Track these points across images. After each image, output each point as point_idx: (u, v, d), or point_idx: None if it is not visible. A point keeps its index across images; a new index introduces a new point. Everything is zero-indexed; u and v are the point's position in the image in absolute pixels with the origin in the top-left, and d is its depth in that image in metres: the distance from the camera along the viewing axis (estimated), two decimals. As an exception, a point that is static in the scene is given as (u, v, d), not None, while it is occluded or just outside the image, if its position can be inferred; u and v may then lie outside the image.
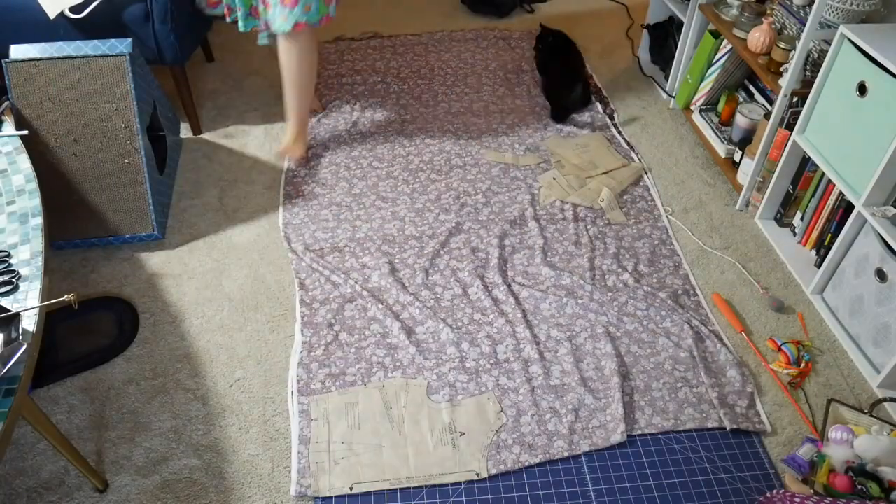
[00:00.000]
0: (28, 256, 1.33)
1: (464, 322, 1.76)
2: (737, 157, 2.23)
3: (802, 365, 1.67)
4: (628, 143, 2.44)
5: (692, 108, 2.52)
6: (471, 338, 1.72)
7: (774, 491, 1.30)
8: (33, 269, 1.30)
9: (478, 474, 1.44)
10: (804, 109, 1.85)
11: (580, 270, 1.91)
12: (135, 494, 1.40)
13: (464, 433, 1.51)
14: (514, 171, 2.28)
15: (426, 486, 1.42)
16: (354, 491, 1.41)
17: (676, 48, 2.59)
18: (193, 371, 1.64)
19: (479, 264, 1.92)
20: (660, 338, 1.72)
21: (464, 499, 1.41)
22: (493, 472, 1.44)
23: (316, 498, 1.40)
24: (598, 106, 2.63)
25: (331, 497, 1.40)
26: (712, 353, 1.69)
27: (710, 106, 2.47)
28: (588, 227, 2.06)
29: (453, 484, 1.43)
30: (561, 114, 2.52)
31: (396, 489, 1.42)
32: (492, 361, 1.67)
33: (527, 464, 1.46)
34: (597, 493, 1.42)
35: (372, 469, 1.44)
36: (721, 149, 2.30)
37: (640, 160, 2.36)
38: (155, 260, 1.93)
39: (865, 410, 1.57)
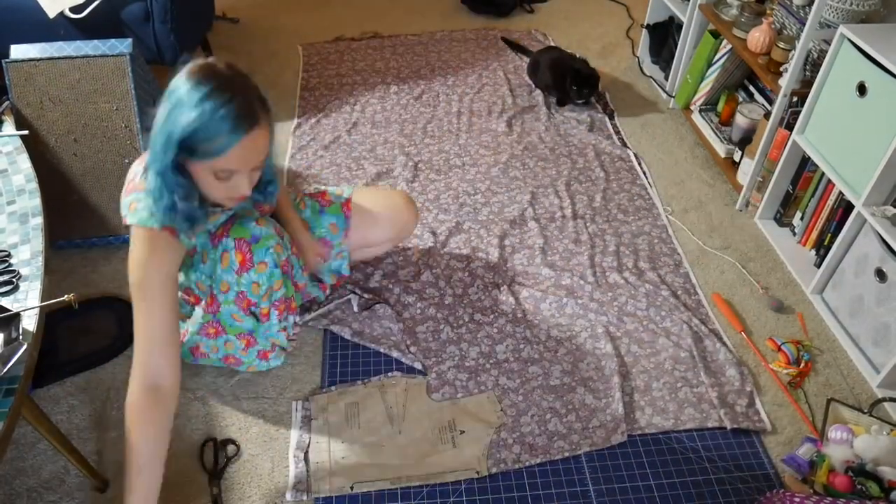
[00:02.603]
0: (28, 256, 1.33)
1: (464, 321, 1.76)
2: (737, 157, 2.23)
3: (802, 365, 1.67)
4: (626, 143, 2.44)
5: (692, 107, 2.52)
6: (471, 337, 1.72)
7: (774, 491, 1.30)
8: (33, 269, 1.30)
9: (478, 472, 1.44)
10: (804, 109, 1.85)
11: (580, 269, 1.91)
12: (135, 494, 1.40)
13: (464, 432, 1.51)
14: (513, 171, 2.28)
15: (426, 485, 1.42)
16: (355, 490, 1.41)
17: (676, 48, 2.59)
18: (193, 371, 1.64)
19: (479, 264, 1.92)
20: (660, 337, 1.72)
21: (465, 499, 1.41)
22: (494, 470, 1.45)
23: (317, 498, 1.40)
24: (598, 105, 2.63)
25: (331, 497, 1.40)
26: (712, 353, 1.69)
27: (709, 106, 2.48)
28: (587, 224, 2.06)
29: (454, 483, 1.43)
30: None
31: (397, 488, 1.42)
32: (492, 361, 1.67)
33: (527, 464, 1.46)
34: (597, 493, 1.42)
35: (372, 468, 1.45)
36: (721, 149, 2.31)
37: (638, 160, 2.36)
38: (155, 260, 1.92)
39: (865, 410, 1.57)
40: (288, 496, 1.39)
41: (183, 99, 1.12)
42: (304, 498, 1.39)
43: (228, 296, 1.42)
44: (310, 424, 1.52)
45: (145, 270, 1.22)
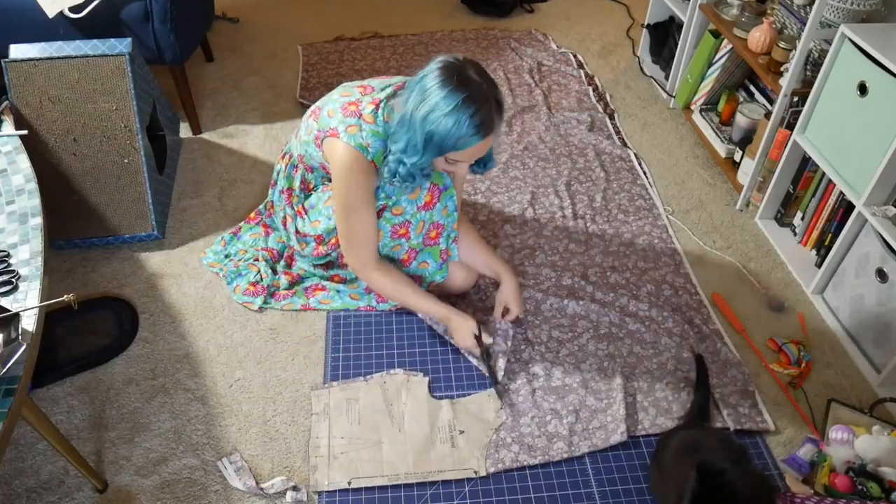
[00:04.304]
0: (28, 256, 1.32)
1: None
2: (737, 157, 2.23)
3: (803, 365, 1.67)
4: (626, 143, 2.44)
5: (692, 107, 2.52)
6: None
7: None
8: (33, 269, 1.30)
9: (476, 472, 1.44)
10: (804, 109, 1.85)
11: (581, 269, 1.91)
12: (135, 494, 1.40)
13: (463, 431, 1.51)
14: (513, 171, 2.27)
15: (427, 483, 1.42)
16: (353, 485, 1.41)
17: (677, 48, 2.59)
18: (193, 371, 1.64)
19: (479, 264, 1.92)
20: (662, 338, 1.72)
21: (468, 501, 1.40)
22: (492, 470, 1.44)
23: (318, 492, 1.40)
24: (599, 106, 2.63)
25: (333, 492, 1.40)
26: (713, 353, 1.69)
27: (710, 106, 2.47)
28: (588, 224, 2.06)
29: (456, 482, 1.42)
30: None
31: (399, 485, 1.41)
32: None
33: (526, 464, 1.46)
34: (601, 495, 1.42)
35: (371, 464, 1.45)
36: (721, 148, 2.30)
37: (639, 160, 2.36)
38: (155, 260, 1.92)
39: (865, 410, 1.56)
40: (288, 497, 1.39)
41: (440, 104, 1.32)
42: (304, 498, 1.39)
43: (395, 219, 1.60)
44: (309, 418, 1.51)
45: (358, 187, 1.49)
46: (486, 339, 1.62)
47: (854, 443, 1.43)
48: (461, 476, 1.43)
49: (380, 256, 1.62)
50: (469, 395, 1.59)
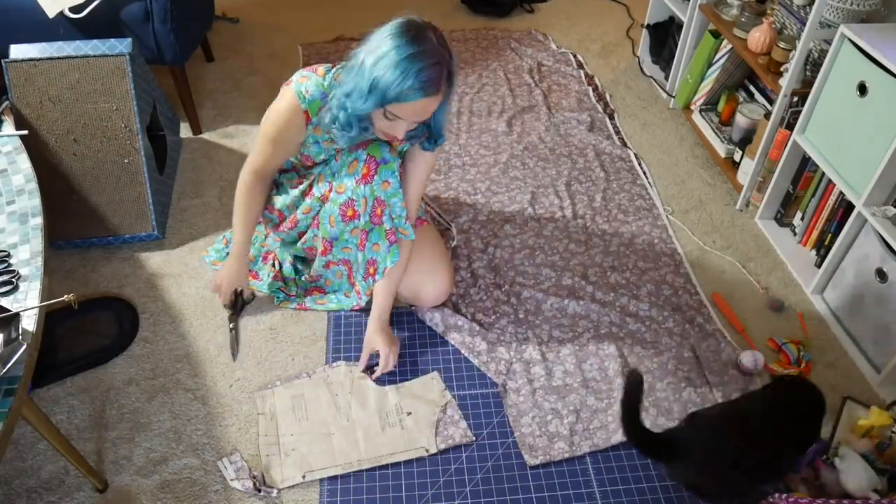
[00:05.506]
0: (28, 256, 1.32)
1: (465, 320, 1.75)
2: (737, 157, 2.23)
3: (802, 365, 1.67)
4: (626, 143, 2.44)
5: (692, 107, 2.52)
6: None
7: (777, 494, 1.30)
8: (33, 269, 1.30)
9: (427, 450, 1.46)
10: (804, 109, 1.85)
11: (581, 269, 1.91)
12: (135, 494, 1.40)
13: (410, 413, 1.53)
14: (513, 171, 2.27)
15: (428, 483, 1.42)
16: (307, 479, 1.42)
17: (676, 48, 2.59)
18: (193, 371, 1.64)
19: (480, 265, 1.92)
20: (662, 338, 1.72)
21: (469, 501, 1.40)
22: (442, 446, 1.47)
23: (322, 479, 1.42)
24: (599, 106, 2.63)
25: (335, 486, 1.41)
26: (714, 353, 1.69)
27: (710, 106, 2.48)
28: (588, 224, 2.06)
29: (458, 482, 1.42)
30: None
31: (363, 472, 1.42)
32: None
33: (530, 465, 1.46)
34: (602, 494, 1.42)
35: (323, 456, 1.46)
36: (721, 149, 2.31)
37: (639, 160, 2.36)
38: (155, 260, 1.92)
39: (885, 408, 1.54)
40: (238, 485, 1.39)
41: (391, 52, 1.33)
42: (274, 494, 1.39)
43: (340, 198, 1.59)
44: (257, 420, 1.52)
45: (277, 128, 1.53)
46: (248, 295, 1.73)
47: (839, 476, 1.38)
48: (413, 456, 1.46)
49: (262, 179, 1.65)
50: (412, 378, 1.62)
